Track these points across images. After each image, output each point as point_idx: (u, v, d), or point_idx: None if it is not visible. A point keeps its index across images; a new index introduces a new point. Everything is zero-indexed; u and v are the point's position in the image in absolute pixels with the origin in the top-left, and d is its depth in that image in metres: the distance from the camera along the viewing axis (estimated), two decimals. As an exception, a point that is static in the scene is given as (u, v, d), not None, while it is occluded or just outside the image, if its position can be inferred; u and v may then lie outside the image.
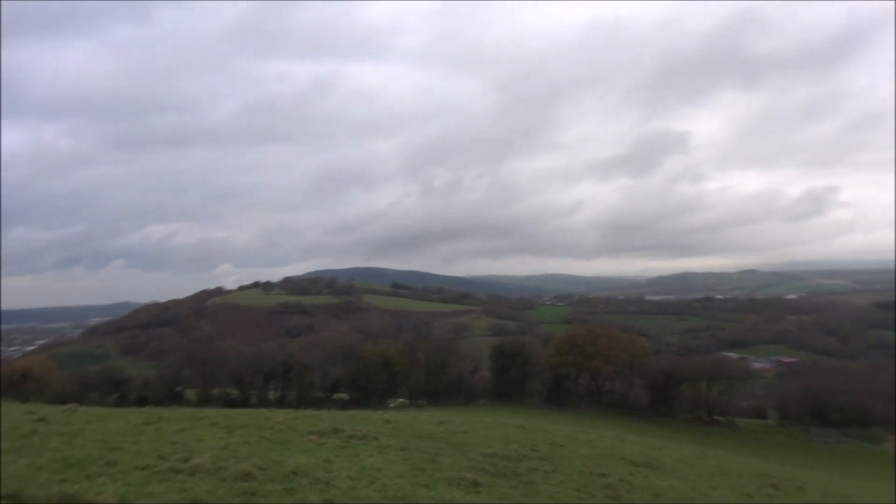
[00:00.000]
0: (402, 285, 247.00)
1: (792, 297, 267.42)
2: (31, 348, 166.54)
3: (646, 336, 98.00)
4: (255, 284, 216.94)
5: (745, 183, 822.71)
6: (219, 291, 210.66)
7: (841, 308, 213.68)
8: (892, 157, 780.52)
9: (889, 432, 39.85)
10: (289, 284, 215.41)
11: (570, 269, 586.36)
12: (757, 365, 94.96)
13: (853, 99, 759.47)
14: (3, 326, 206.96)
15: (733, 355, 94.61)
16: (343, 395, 53.61)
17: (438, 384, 54.53)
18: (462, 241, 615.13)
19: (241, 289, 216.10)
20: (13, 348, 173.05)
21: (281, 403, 46.79)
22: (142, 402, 37.98)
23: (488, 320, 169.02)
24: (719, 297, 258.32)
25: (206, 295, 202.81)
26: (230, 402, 45.94)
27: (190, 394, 50.47)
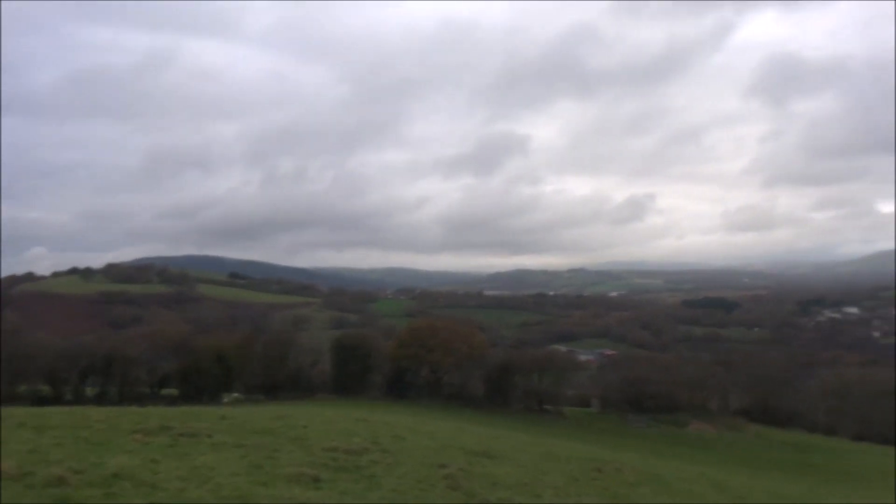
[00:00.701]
0: (240, 275, 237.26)
1: (614, 294, 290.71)
2: None
3: (484, 330, 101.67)
4: (73, 271, 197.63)
5: (578, 187, 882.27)
6: (29, 277, 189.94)
7: (655, 305, 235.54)
8: (701, 170, 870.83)
9: (692, 417, 44.47)
10: (113, 271, 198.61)
11: (414, 263, 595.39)
12: (583, 357, 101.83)
13: (671, 116, 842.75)
14: None
15: (563, 348, 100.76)
16: (173, 391, 50.47)
17: (276, 378, 52.99)
18: (305, 231, 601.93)
19: (56, 275, 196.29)
20: None
21: (101, 401, 43.06)
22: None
23: (329, 313, 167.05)
24: (551, 293, 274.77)
25: (13, 281, 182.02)
26: (41, 401, 41.56)
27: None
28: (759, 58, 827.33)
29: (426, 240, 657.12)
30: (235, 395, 51.80)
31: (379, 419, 20.36)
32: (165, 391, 50.74)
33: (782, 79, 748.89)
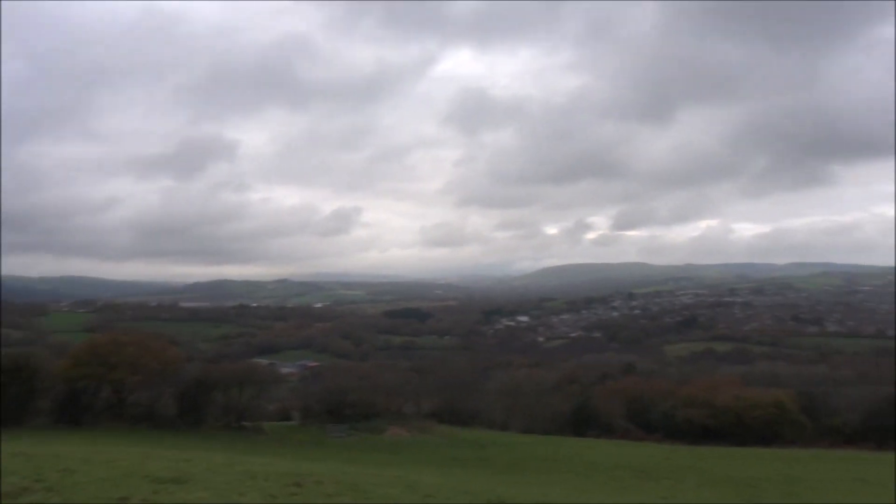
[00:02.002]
0: None
1: (318, 305, 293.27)
2: None
3: (179, 343, 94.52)
4: None
5: (286, 197, 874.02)
6: None
7: (357, 316, 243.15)
8: (404, 188, 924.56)
9: (389, 423, 46.59)
10: None
11: (96, 271, 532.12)
12: (285, 370, 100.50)
13: (379, 135, 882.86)
14: None
15: (264, 361, 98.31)
16: None
17: None
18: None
19: None
20: None
21: None
22: None
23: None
24: (254, 304, 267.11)
25: None
26: None
27: None
28: (456, 89, 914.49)
29: (114, 245, 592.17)
30: None
31: (45, 451, 17.51)
32: None
33: (474, 111, 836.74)
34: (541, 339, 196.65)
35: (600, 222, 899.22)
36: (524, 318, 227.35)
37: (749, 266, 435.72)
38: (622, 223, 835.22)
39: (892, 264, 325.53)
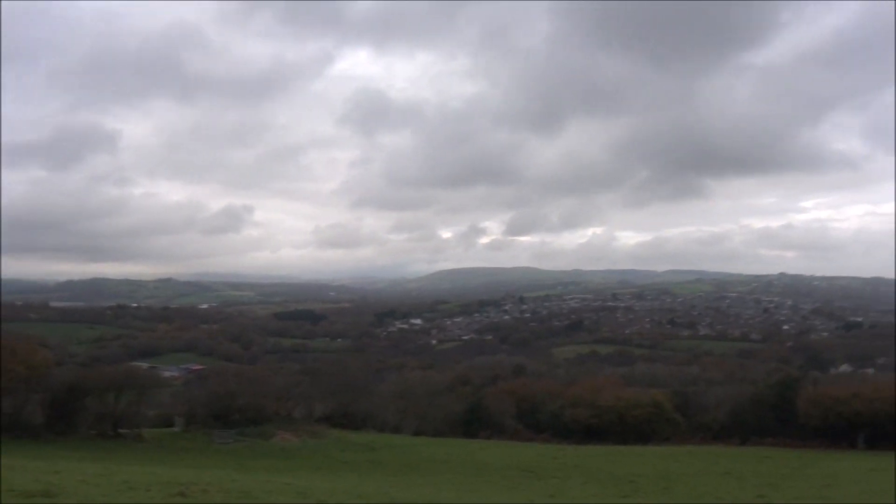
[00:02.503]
0: None
1: (204, 306, 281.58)
2: None
3: (49, 346, 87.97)
4: None
5: (172, 192, 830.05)
6: None
7: (246, 317, 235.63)
8: (298, 187, 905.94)
9: (278, 427, 45.42)
10: None
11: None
12: (167, 373, 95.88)
13: (273, 133, 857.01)
14: None
15: (144, 364, 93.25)
16: None
17: None
18: None
19: None
20: None
21: None
22: None
23: None
24: (134, 304, 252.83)
25: None
26: None
27: None
28: (353, 90, 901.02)
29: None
30: None
31: None
32: None
33: (371, 112, 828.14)
34: (434, 341, 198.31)
35: (493, 227, 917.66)
36: (418, 321, 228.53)
37: (631, 272, 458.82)
38: (514, 229, 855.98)
39: (757, 273, 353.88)
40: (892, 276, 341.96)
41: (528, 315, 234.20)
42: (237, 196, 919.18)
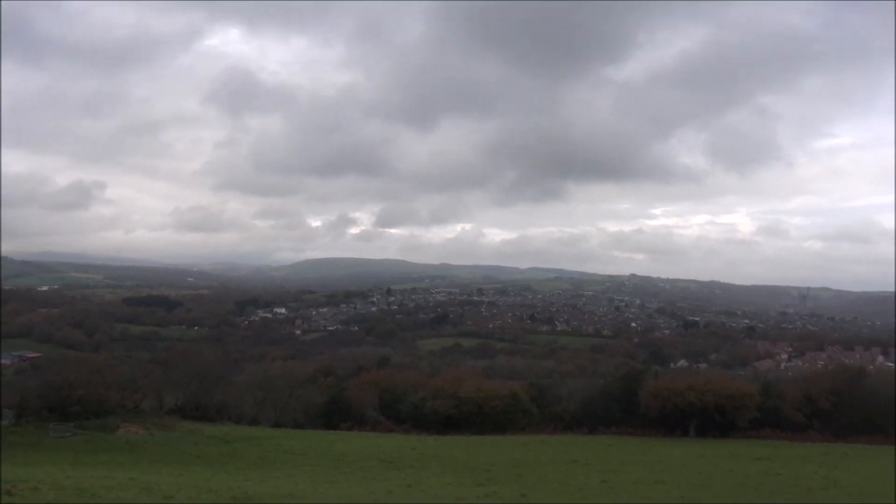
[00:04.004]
0: None
1: (44, 288, 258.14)
2: None
3: None
4: None
5: (12, 163, 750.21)
6: None
7: (92, 302, 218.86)
8: (157, 165, 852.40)
9: (123, 420, 42.59)
10: None
11: None
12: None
13: (131, 105, 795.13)
14: None
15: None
16: None
17: None
18: None
19: None
20: None
21: None
22: None
23: None
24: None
25: None
26: None
27: None
28: (222, 68, 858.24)
29: None
30: None
31: None
32: None
33: (239, 93, 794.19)
34: (298, 331, 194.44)
35: (363, 218, 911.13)
36: (282, 310, 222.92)
37: (496, 268, 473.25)
38: (384, 221, 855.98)
39: (611, 273, 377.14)
40: (726, 280, 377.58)
41: (395, 307, 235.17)
42: (87, 170, 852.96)
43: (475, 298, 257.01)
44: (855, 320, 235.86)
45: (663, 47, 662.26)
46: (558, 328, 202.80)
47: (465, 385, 52.47)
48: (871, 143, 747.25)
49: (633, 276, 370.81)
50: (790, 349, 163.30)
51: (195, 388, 50.82)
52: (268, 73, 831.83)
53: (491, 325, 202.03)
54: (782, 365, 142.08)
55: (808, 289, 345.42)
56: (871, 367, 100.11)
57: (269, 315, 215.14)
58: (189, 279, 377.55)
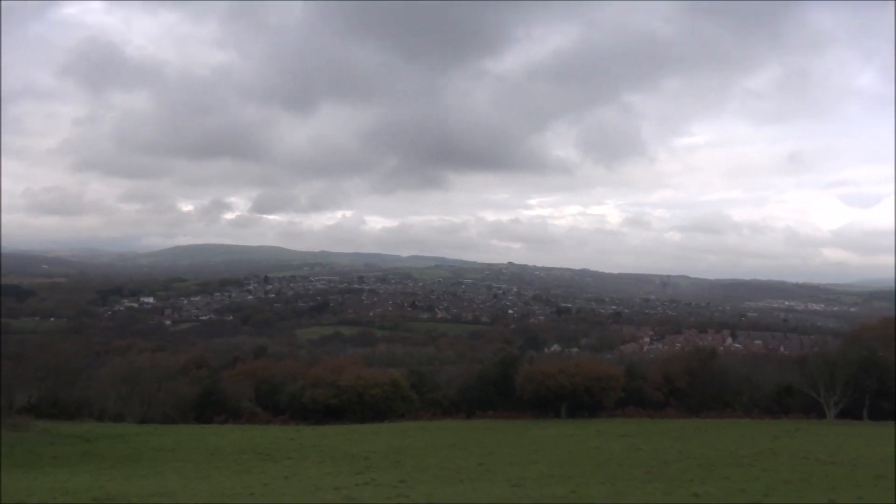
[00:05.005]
0: None
1: None
2: None
3: None
4: None
5: None
6: None
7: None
8: (8, 141, 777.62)
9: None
10: None
11: None
12: None
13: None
14: None
15: None
16: None
17: None
18: None
19: None
20: None
21: None
22: None
23: None
24: None
25: None
26: None
27: None
28: (81, 39, 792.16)
29: None
30: None
31: None
32: None
33: (101, 66, 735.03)
34: (168, 321, 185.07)
35: (239, 203, 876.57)
36: (149, 300, 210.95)
37: (377, 256, 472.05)
38: (262, 206, 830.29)
39: (489, 262, 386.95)
40: (596, 269, 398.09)
41: (272, 295, 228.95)
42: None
43: (356, 286, 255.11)
44: (708, 306, 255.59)
45: (539, 43, 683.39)
46: (438, 315, 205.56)
47: (344, 373, 52.11)
48: (724, 142, 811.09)
49: (511, 264, 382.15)
50: (652, 333, 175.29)
51: (52, 384, 47.22)
52: (133, 46, 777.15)
53: (372, 314, 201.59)
54: (645, 348, 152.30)
55: (669, 277, 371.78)
56: (721, 348, 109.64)
57: (136, 305, 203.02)
58: (44, 266, 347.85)
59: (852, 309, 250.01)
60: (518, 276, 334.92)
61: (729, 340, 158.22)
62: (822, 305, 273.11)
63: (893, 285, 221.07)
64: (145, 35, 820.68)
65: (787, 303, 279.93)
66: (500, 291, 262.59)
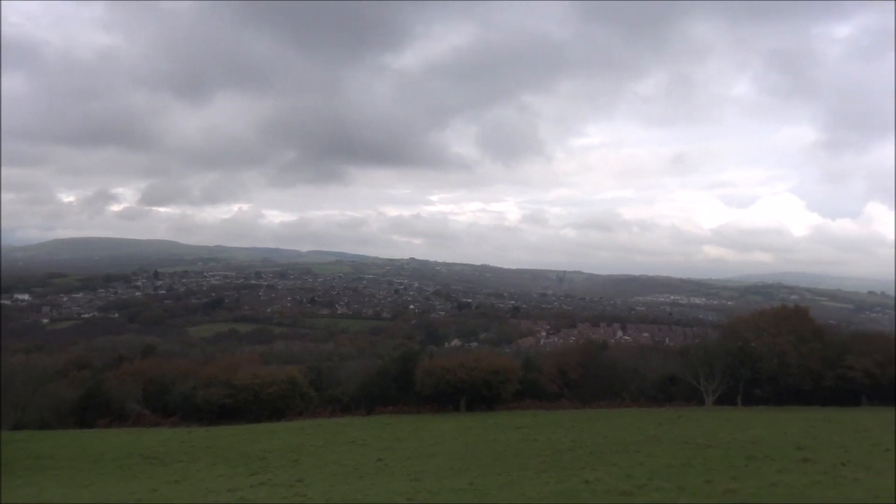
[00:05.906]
0: None
1: None
2: None
3: None
4: None
5: None
6: None
7: None
8: None
9: None
10: None
11: None
12: None
13: None
14: None
15: None
16: None
17: None
18: None
19: None
20: None
21: None
22: None
23: None
24: None
25: None
26: None
27: None
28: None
29: None
30: None
31: None
32: None
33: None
34: (45, 320, 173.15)
35: (127, 195, 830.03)
36: (24, 297, 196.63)
37: (275, 251, 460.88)
38: (151, 198, 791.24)
39: (390, 257, 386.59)
40: (495, 264, 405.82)
41: (163, 292, 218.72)
42: None
43: (253, 282, 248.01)
44: (601, 300, 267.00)
45: (438, 40, 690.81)
46: (339, 311, 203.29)
47: (240, 372, 50.55)
48: (616, 143, 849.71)
49: (412, 259, 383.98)
50: (548, 327, 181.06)
51: None
52: (7, 24, 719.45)
53: (269, 310, 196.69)
54: (542, 341, 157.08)
55: (564, 272, 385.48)
56: (612, 341, 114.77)
57: (9, 302, 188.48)
58: None
59: (729, 303, 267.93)
60: (419, 271, 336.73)
61: (619, 333, 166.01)
62: (704, 299, 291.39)
63: (766, 281, 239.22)
64: (21, 12, 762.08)
65: (672, 297, 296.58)
66: (402, 287, 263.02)
